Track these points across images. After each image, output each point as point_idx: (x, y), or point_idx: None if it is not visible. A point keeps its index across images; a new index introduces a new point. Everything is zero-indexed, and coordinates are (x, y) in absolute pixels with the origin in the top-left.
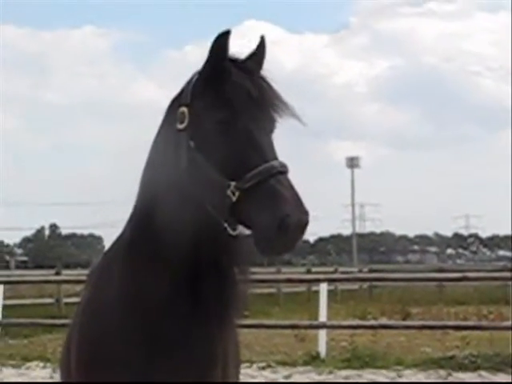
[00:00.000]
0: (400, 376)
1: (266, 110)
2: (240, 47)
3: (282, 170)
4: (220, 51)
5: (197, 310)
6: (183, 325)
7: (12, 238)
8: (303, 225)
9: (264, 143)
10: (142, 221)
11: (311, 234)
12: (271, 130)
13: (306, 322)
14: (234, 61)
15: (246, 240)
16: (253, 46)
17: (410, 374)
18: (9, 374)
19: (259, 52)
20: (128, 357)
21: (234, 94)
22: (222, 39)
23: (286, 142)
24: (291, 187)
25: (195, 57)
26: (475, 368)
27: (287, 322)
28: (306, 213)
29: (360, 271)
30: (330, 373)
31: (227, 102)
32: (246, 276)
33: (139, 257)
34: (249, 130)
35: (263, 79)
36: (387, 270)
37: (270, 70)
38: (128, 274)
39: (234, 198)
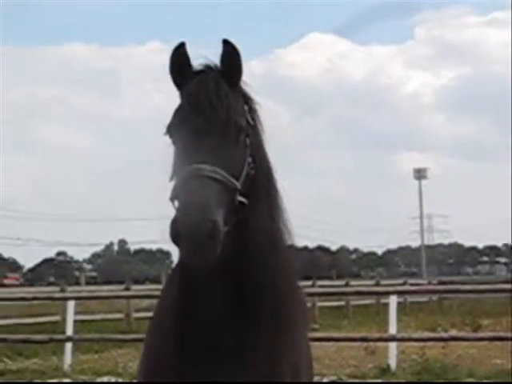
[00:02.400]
0: None
1: (199, 115)
2: (304, 61)
3: (197, 174)
4: (174, 65)
5: (251, 323)
6: (242, 337)
7: (81, 254)
8: (190, 231)
9: (189, 149)
10: None
11: (379, 247)
12: (213, 133)
13: (376, 335)
14: (196, 72)
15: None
16: (318, 59)
17: None
18: None
19: (224, 57)
20: (183, 368)
21: (181, 104)
22: (176, 53)
23: (354, 154)
24: (194, 192)
25: (259, 70)
26: None
27: (357, 335)
28: (196, 219)
29: (429, 283)
30: None
31: (176, 111)
32: (293, 288)
33: (191, 271)
34: (181, 138)
35: (207, 86)
36: (457, 282)
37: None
38: (183, 286)
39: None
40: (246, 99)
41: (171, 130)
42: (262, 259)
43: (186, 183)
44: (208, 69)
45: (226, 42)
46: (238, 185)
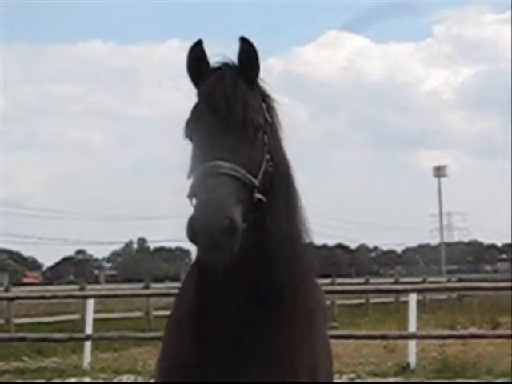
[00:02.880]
0: None
1: (216, 113)
2: (322, 59)
3: (215, 171)
4: (191, 62)
5: (269, 322)
6: (260, 336)
7: (101, 252)
8: (207, 228)
9: (207, 147)
10: None
11: (398, 245)
12: (231, 131)
13: (396, 333)
14: (214, 69)
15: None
16: (336, 57)
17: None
18: None
19: (242, 55)
20: (201, 366)
21: (198, 102)
22: (193, 51)
23: (373, 152)
24: (212, 189)
25: (277, 68)
26: None
27: (377, 333)
28: (213, 216)
29: (449, 281)
30: (421, 383)
31: (193, 109)
32: (311, 286)
33: (209, 269)
34: (198, 136)
35: (224, 84)
36: (476, 280)
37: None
38: (201, 284)
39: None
40: (264, 97)
41: (188, 127)
42: (279, 257)
43: (204, 180)
44: (225, 66)
45: (243, 40)
46: (257, 182)
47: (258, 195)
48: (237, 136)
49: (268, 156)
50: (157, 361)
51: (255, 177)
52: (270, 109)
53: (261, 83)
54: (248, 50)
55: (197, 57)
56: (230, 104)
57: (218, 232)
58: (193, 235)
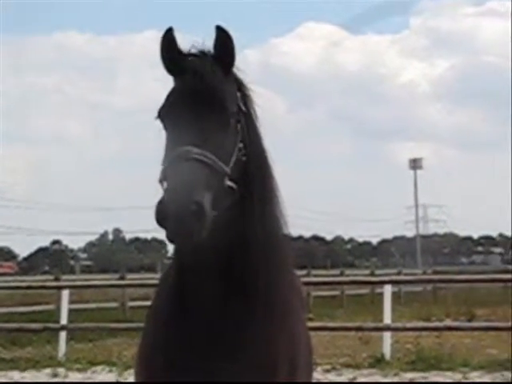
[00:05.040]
0: (466, 378)
1: (189, 100)
2: (299, 50)
3: (185, 156)
4: (164, 50)
5: (248, 312)
6: (237, 324)
7: (76, 243)
8: (175, 212)
9: (178, 133)
10: None
11: (374, 237)
12: (203, 117)
13: (371, 325)
14: (188, 56)
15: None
16: (314, 48)
17: (476, 376)
18: (75, 378)
19: (217, 43)
20: (179, 361)
21: (172, 89)
22: (165, 38)
23: (350, 144)
24: (181, 174)
25: (254, 59)
26: None
27: (352, 325)
28: (181, 201)
29: (424, 273)
30: (395, 375)
31: (167, 96)
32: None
33: (187, 261)
34: (171, 123)
35: (198, 71)
36: (451, 272)
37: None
38: (177, 276)
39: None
40: (239, 85)
41: (162, 114)
42: (256, 247)
43: (174, 165)
44: (201, 54)
45: (218, 28)
46: (227, 169)
47: (228, 183)
48: (208, 122)
49: (241, 145)
50: (137, 355)
51: (226, 164)
52: (246, 98)
53: (237, 72)
54: (223, 38)
55: (168, 44)
56: (203, 91)
57: (186, 216)
58: (161, 219)
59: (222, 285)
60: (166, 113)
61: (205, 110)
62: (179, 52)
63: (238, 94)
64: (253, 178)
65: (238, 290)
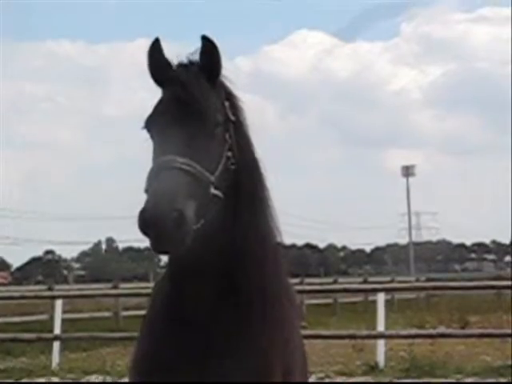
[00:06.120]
0: None
1: (175, 109)
2: (290, 58)
3: (168, 166)
4: (151, 61)
5: (242, 322)
6: (231, 332)
7: (70, 253)
8: (156, 219)
9: (163, 143)
10: None
11: (367, 244)
12: (188, 127)
13: (364, 332)
14: (175, 67)
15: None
16: (305, 56)
17: (469, 383)
18: None
19: (203, 53)
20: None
21: (160, 99)
22: (151, 50)
23: (342, 152)
24: (163, 183)
25: (245, 67)
26: None
27: (345, 332)
28: (162, 208)
29: (417, 280)
30: (389, 382)
31: (154, 106)
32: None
33: (181, 270)
34: (157, 132)
35: (184, 82)
36: (445, 279)
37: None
38: (171, 285)
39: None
40: (228, 95)
41: (148, 124)
42: (249, 255)
43: (157, 174)
44: (187, 64)
45: (204, 38)
46: (212, 178)
47: (214, 191)
48: (194, 131)
49: (229, 153)
50: (131, 364)
51: (212, 173)
52: (234, 107)
53: (225, 82)
54: (209, 48)
55: (155, 55)
56: (187, 100)
57: (167, 224)
58: (143, 226)
59: (216, 293)
60: (152, 123)
61: (189, 119)
62: (166, 62)
63: (227, 104)
64: (243, 187)
65: (232, 298)
